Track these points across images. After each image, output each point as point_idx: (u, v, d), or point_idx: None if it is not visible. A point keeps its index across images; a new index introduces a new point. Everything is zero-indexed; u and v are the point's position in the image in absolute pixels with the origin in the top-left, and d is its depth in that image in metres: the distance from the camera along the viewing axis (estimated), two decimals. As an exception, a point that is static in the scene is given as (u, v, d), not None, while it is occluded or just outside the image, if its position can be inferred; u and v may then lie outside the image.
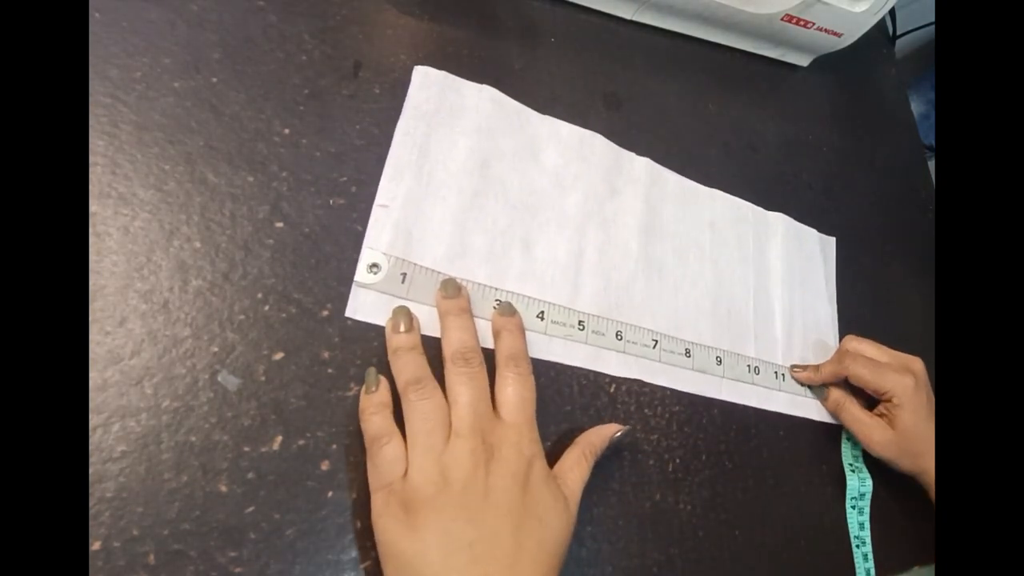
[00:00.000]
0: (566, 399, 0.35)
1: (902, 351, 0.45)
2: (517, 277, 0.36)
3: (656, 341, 0.39)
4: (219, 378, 0.28)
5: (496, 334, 0.33)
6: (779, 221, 0.49)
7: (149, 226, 0.29)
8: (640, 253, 0.41)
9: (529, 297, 0.36)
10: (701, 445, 0.39)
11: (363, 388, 0.29)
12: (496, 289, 0.35)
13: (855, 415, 0.42)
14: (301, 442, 0.28)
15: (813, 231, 0.51)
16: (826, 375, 0.43)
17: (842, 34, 0.52)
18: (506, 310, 0.34)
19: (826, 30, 0.52)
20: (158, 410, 0.26)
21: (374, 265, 0.32)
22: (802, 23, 0.50)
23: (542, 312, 0.36)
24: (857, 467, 0.43)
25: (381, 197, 0.34)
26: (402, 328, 0.31)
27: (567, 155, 0.41)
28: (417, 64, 0.38)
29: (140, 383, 0.27)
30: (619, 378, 0.37)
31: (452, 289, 0.32)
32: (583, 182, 0.41)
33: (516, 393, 0.30)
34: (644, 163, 0.44)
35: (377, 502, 0.27)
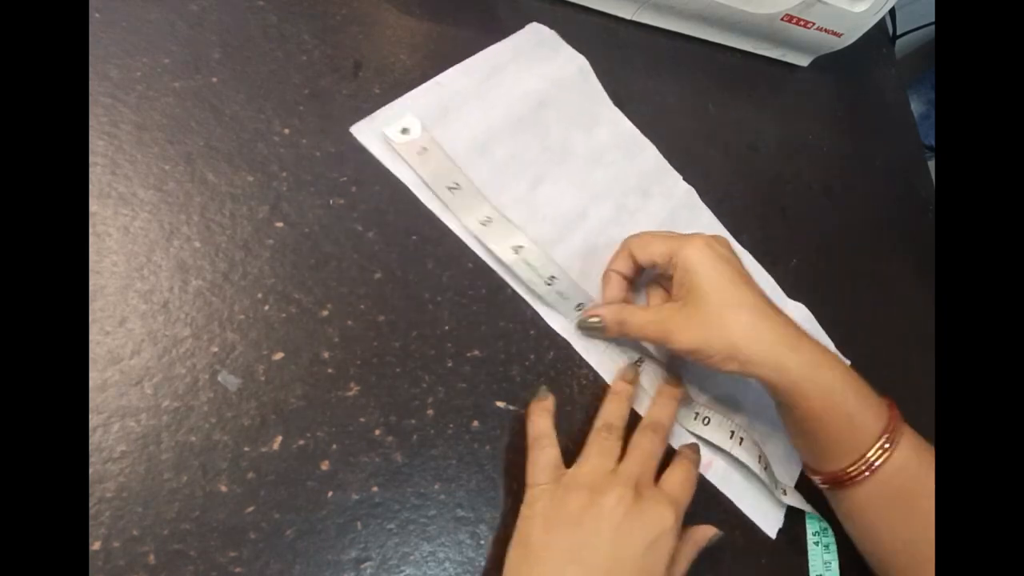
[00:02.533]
0: (566, 399, 0.35)
1: (902, 351, 0.45)
2: (513, 199, 0.37)
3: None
4: (219, 378, 0.28)
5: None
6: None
7: (149, 226, 0.29)
8: None
9: (514, 224, 0.35)
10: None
11: (534, 399, 0.33)
12: (491, 204, 0.35)
13: (643, 318, 0.33)
14: (301, 442, 0.28)
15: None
16: (615, 265, 0.36)
17: (842, 34, 0.52)
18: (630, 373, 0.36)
19: (826, 30, 0.52)
20: (158, 410, 0.26)
21: (406, 130, 0.34)
22: (802, 23, 0.50)
23: (520, 246, 0.34)
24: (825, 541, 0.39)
25: (441, 78, 0.37)
26: (629, 379, 0.35)
27: (616, 142, 0.43)
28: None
29: (140, 383, 0.27)
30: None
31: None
32: (618, 168, 0.42)
33: (685, 476, 0.32)
34: (686, 189, 0.44)
35: (531, 494, 0.30)
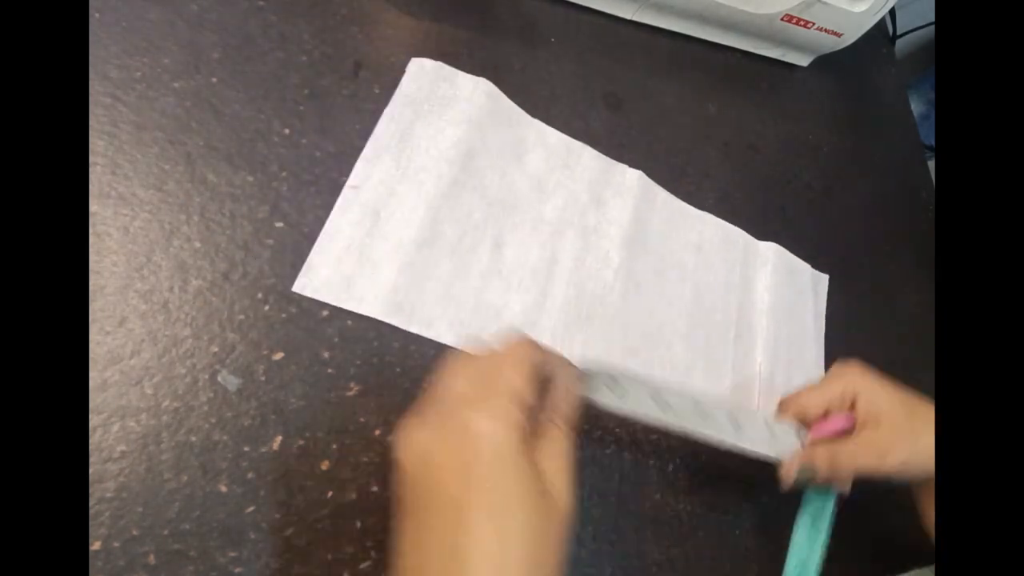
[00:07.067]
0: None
1: (902, 351, 0.45)
2: (481, 274, 0.35)
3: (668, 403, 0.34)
4: (219, 378, 0.28)
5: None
6: (770, 251, 0.46)
7: (149, 226, 0.29)
8: (620, 265, 0.39)
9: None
10: (701, 445, 0.39)
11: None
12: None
13: (851, 448, 0.34)
14: (301, 442, 0.28)
15: (807, 266, 0.48)
16: (790, 412, 0.37)
17: (842, 34, 0.52)
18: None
19: (826, 30, 0.52)
20: (158, 410, 0.26)
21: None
22: (802, 23, 0.50)
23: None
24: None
25: (354, 178, 0.34)
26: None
27: (551, 161, 0.40)
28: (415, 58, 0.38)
29: (140, 383, 0.27)
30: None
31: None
32: (565, 190, 0.40)
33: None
34: (636, 176, 0.42)
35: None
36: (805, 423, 0.36)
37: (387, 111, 0.36)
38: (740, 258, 0.45)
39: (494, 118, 0.39)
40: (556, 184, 0.40)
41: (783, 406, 0.38)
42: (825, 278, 0.49)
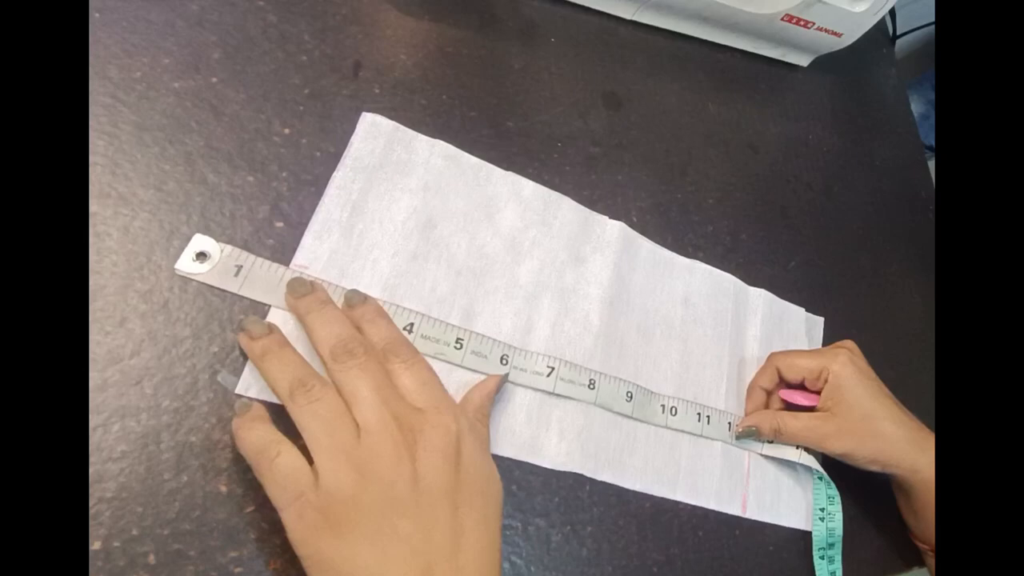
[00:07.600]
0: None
1: (902, 351, 0.45)
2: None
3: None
4: (219, 378, 0.28)
5: (357, 328, 0.29)
6: (760, 299, 0.45)
7: (149, 226, 0.29)
8: (601, 327, 0.37)
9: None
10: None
11: (237, 415, 0.26)
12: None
13: (797, 425, 0.38)
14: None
15: (800, 310, 0.46)
16: (760, 381, 0.40)
17: (842, 34, 0.52)
18: (355, 298, 0.30)
19: (826, 30, 0.52)
20: (158, 410, 0.26)
21: (202, 254, 0.29)
22: (802, 23, 0.50)
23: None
24: (829, 512, 0.40)
25: (300, 257, 0.31)
26: (260, 331, 0.27)
27: (527, 217, 0.37)
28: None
29: (140, 383, 0.27)
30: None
31: (303, 286, 0.29)
32: (541, 248, 0.37)
33: (413, 380, 0.27)
34: (618, 227, 0.40)
35: (290, 518, 0.24)
36: (781, 380, 0.40)
37: (336, 177, 0.33)
38: (731, 307, 0.43)
39: (456, 180, 0.36)
40: (532, 243, 0.37)
41: (770, 359, 0.41)
42: (819, 321, 0.47)
